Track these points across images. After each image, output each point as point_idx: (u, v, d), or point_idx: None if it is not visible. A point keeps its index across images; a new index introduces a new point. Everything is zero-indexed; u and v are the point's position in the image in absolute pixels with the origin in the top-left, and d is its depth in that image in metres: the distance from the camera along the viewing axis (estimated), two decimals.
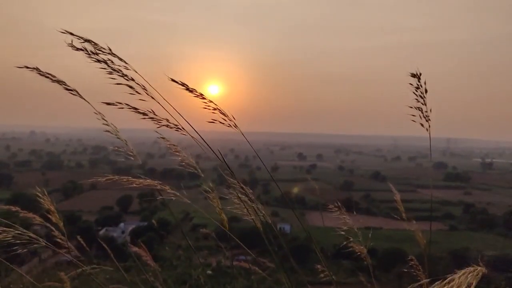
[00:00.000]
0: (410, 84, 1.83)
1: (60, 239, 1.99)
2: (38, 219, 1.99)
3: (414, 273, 2.10)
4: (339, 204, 2.19)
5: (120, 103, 1.63)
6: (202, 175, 1.80)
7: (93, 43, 1.60)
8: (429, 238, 2.01)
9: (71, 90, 1.64)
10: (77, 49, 1.59)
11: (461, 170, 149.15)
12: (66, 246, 1.97)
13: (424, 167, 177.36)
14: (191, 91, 1.70)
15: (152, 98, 1.63)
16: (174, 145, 1.82)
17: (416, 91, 1.84)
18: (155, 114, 1.69)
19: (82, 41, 1.59)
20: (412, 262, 2.12)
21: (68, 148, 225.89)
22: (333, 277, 1.99)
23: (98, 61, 1.61)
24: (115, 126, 1.72)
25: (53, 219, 1.95)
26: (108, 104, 1.63)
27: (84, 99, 1.65)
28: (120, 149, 1.80)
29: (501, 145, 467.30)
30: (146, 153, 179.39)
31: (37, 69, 1.61)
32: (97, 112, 1.65)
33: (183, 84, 1.67)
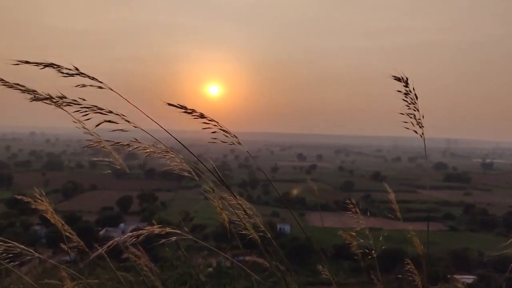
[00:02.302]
0: (399, 91, 1.80)
1: (69, 233, 1.96)
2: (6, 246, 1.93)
3: (410, 278, 2.09)
4: (354, 204, 2.19)
5: (101, 141, 1.59)
6: (197, 179, 1.76)
7: (55, 66, 1.51)
8: (427, 239, 2.00)
9: (43, 99, 1.54)
10: (41, 99, 1.52)
11: (461, 170, 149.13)
12: (66, 247, 1.95)
13: (424, 168, 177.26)
14: (190, 113, 1.65)
15: (135, 127, 1.57)
16: (167, 151, 1.76)
17: (406, 97, 1.81)
18: (139, 142, 1.65)
19: (42, 66, 1.50)
20: (409, 266, 2.12)
21: (68, 149, 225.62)
22: (333, 277, 1.99)
23: (68, 104, 1.54)
24: (98, 135, 1.63)
25: (52, 220, 1.93)
26: (89, 146, 1.59)
27: (62, 109, 1.55)
28: (105, 159, 1.71)
29: (501, 146, 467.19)
30: None
31: (2, 80, 1.53)
32: (76, 121, 1.57)
33: (181, 107, 1.63)
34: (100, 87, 1.55)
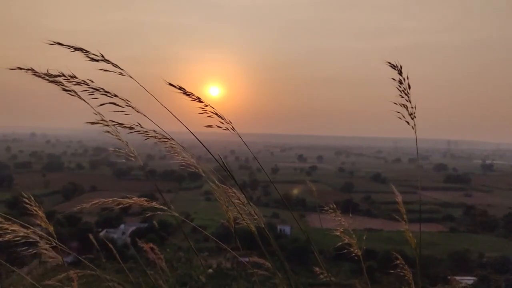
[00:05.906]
0: (393, 79, 1.79)
1: (45, 249, 1.90)
2: (24, 232, 1.91)
3: (401, 273, 2.09)
4: (335, 205, 2.18)
5: (106, 121, 1.61)
6: (204, 175, 1.76)
7: (84, 51, 1.56)
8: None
9: (69, 90, 1.58)
10: (50, 81, 1.55)
11: (462, 172, 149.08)
12: (60, 249, 1.92)
13: (424, 169, 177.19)
14: (188, 95, 1.67)
15: (137, 111, 1.60)
16: (174, 146, 1.75)
17: (400, 86, 1.79)
18: (142, 127, 1.66)
19: (73, 50, 1.55)
20: (398, 261, 2.12)
21: (69, 150, 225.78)
22: (333, 278, 1.99)
23: (78, 83, 1.58)
24: (115, 127, 1.66)
25: (42, 224, 1.90)
26: (93, 123, 1.61)
27: (84, 100, 1.59)
28: (121, 151, 1.74)
29: (502, 147, 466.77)
30: (147, 154, 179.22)
31: (32, 70, 1.53)
32: (96, 113, 1.60)
33: (180, 88, 1.65)
34: (121, 74, 1.61)
